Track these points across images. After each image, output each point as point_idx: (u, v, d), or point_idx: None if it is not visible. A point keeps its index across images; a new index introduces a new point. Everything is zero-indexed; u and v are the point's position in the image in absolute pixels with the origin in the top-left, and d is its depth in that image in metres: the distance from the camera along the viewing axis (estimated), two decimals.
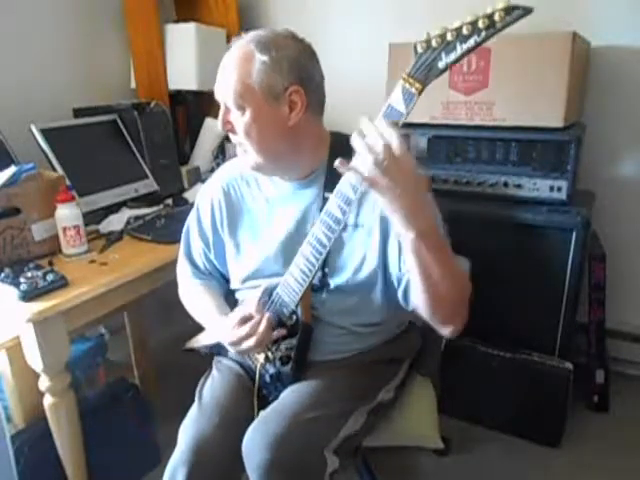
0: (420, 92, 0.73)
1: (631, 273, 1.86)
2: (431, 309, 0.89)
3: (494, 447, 1.63)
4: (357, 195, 0.80)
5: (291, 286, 0.96)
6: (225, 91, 0.93)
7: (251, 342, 0.95)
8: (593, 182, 1.79)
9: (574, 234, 1.49)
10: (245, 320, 0.97)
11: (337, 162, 0.76)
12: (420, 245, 0.78)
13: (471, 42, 0.66)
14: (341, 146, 0.94)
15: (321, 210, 0.91)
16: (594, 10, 1.69)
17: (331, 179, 0.95)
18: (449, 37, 0.67)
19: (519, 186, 1.59)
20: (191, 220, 1.17)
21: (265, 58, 0.89)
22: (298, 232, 1.01)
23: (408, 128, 1.70)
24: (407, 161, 0.73)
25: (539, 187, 1.56)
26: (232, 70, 0.91)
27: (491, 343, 1.64)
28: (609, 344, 1.77)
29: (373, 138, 0.73)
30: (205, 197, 1.13)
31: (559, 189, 1.54)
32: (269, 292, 1.02)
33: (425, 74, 0.72)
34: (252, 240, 1.08)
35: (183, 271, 1.20)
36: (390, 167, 0.72)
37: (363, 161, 0.73)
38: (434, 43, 0.69)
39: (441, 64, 0.70)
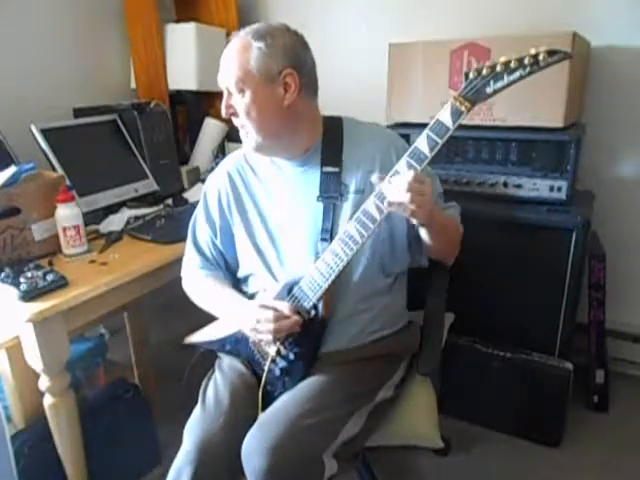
0: (469, 110, 0.85)
1: (631, 273, 1.86)
2: (435, 254, 1.13)
3: (494, 447, 1.63)
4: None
5: (316, 280, 1.00)
6: (227, 78, 1.02)
7: (270, 326, 0.98)
8: (593, 182, 1.79)
9: (574, 234, 1.49)
10: (274, 309, 1.00)
11: (374, 178, 0.94)
12: (432, 232, 1.01)
13: (516, 74, 0.81)
14: (334, 126, 1.11)
15: (322, 182, 1.06)
16: (594, 10, 1.69)
17: (327, 154, 1.09)
18: (498, 69, 0.81)
19: (519, 186, 1.59)
20: (198, 209, 1.21)
21: (261, 45, 0.99)
22: (300, 208, 1.08)
23: (408, 128, 1.70)
24: (427, 190, 0.90)
25: (539, 187, 1.56)
26: (232, 59, 1.01)
27: (491, 343, 1.64)
28: (609, 344, 1.77)
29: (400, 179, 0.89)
30: (212, 184, 1.19)
31: (559, 189, 1.54)
32: (289, 287, 1.04)
33: (475, 96, 0.85)
34: (260, 219, 1.12)
35: (190, 262, 1.22)
36: (415, 197, 0.88)
37: (395, 193, 0.90)
38: (484, 72, 0.83)
39: (489, 89, 0.83)
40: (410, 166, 0.90)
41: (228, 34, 2.14)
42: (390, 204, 0.90)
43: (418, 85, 1.64)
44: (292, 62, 0.99)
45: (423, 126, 1.67)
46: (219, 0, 2.14)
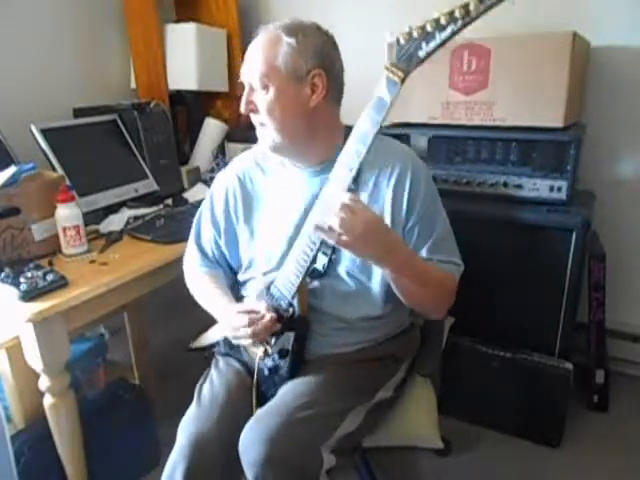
0: (403, 80, 0.76)
1: (631, 273, 1.86)
2: (413, 307, 1.06)
3: (494, 447, 1.63)
4: (348, 182, 0.84)
5: (288, 278, 0.99)
6: (251, 72, 0.97)
7: (248, 330, 0.97)
8: (593, 182, 1.79)
9: (574, 234, 1.49)
10: (250, 312, 0.99)
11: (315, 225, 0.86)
12: (396, 275, 0.93)
13: (448, 31, 0.70)
14: None
15: None
16: (594, 10, 1.69)
17: None
18: (428, 27, 0.72)
19: (519, 186, 1.59)
20: (204, 207, 1.19)
21: (292, 41, 0.95)
22: (307, 219, 1.03)
23: (408, 128, 1.71)
24: (364, 214, 0.83)
25: (539, 187, 1.56)
26: (259, 52, 0.96)
27: (491, 343, 1.64)
28: (609, 344, 1.77)
29: (331, 204, 0.83)
30: (220, 185, 1.16)
31: (559, 189, 1.54)
32: (267, 286, 1.05)
33: (407, 63, 0.75)
34: (266, 226, 1.10)
35: (191, 258, 1.22)
36: (349, 222, 0.81)
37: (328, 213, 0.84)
38: (415, 34, 0.73)
39: (421, 53, 0.74)
40: (356, 149, 0.82)
41: (228, 34, 2.15)
42: (317, 228, 0.85)
43: (418, 85, 1.64)
44: (322, 62, 0.96)
45: (423, 126, 1.70)
46: (219, 0, 2.14)
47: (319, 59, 0.96)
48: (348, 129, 1.05)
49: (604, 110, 1.77)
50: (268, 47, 0.96)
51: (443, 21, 0.70)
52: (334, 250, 0.99)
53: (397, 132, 1.68)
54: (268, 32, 0.97)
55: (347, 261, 1.03)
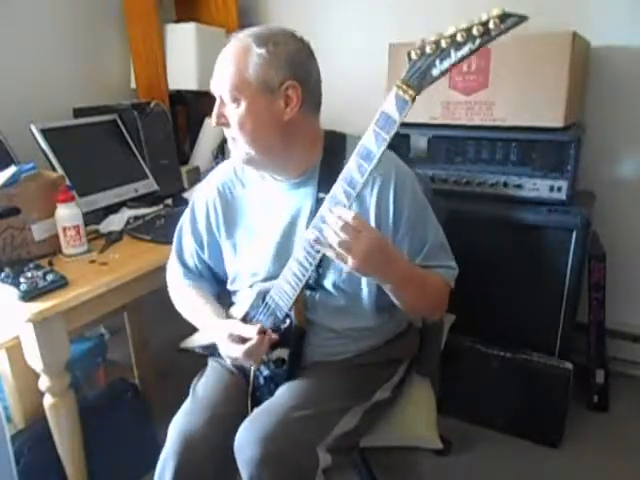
0: (413, 99, 0.72)
1: (631, 273, 1.86)
2: (410, 314, 1.10)
3: (494, 447, 1.63)
4: (350, 200, 0.81)
5: (285, 290, 0.97)
6: (221, 84, 0.94)
7: (242, 357, 0.97)
8: (593, 182, 1.79)
9: (574, 234, 1.49)
10: (244, 340, 0.97)
11: (313, 241, 0.85)
12: (395, 289, 0.93)
13: (465, 50, 0.66)
14: (335, 146, 1.01)
15: (315, 210, 0.94)
16: (594, 10, 1.69)
17: (325, 179, 0.97)
18: (443, 44, 0.67)
19: (519, 186, 1.59)
20: (184, 220, 1.16)
21: (262, 51, 0.90)
22: (293, 231, 1.02)
23: (408, 128, 1.71)
24: (368, 234, 0.81)
25: (539, 187, 1.56)
26: (229, 63, 0.92)
27: (491, 343, 1.64)
28: (609, 344, 1.77)
29: (333, 223, 0.80)
30: (200, 198, 1.13)
31: (559, 189, 1.54)
32: (262, 296, 1.03)
33: (419, 81, 0.71)
34: (249, 240, 1.08)
35: (174, 272, 1.20)
36: (353, 243, 0.79)
37: (328, 231, 0.81)
38: (428, 50, 0.68)
39: (435, 71, 0.69)
40: (359, 166, 0.78)
41: (228, 34, 2.14)
42: (317, 242, 0.84)
43: None
44: (296, 73, 0.91)
45: (423, 126, 1.70)
46: (219, 0, 2.14)
47: (291, 70, 0.90)
48: (331, 133, 1.03)
49: (604, 110, 1.77)
50: (237, 58, 0.91)
51: (459, 38, 0.65)
52: (320, 262, 0.94)
53: (397, 131, 1.67)
54: (238, 41, 0.92)
55: (332, 275, 1.00)
